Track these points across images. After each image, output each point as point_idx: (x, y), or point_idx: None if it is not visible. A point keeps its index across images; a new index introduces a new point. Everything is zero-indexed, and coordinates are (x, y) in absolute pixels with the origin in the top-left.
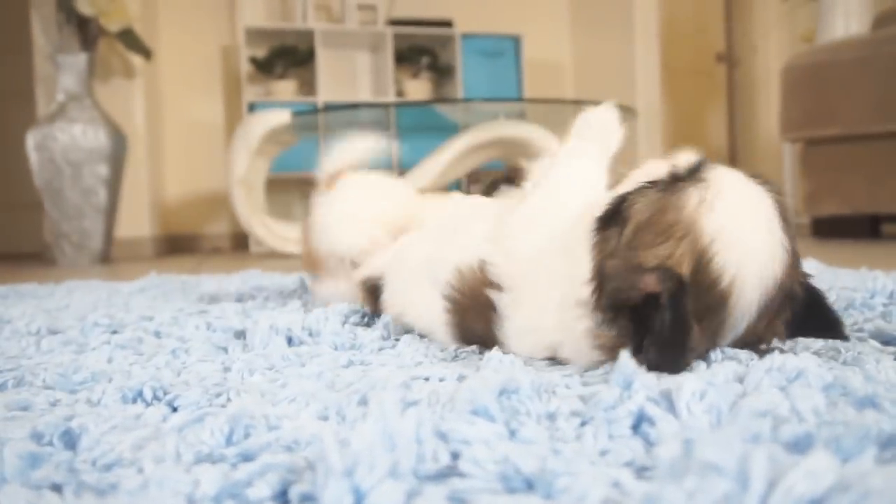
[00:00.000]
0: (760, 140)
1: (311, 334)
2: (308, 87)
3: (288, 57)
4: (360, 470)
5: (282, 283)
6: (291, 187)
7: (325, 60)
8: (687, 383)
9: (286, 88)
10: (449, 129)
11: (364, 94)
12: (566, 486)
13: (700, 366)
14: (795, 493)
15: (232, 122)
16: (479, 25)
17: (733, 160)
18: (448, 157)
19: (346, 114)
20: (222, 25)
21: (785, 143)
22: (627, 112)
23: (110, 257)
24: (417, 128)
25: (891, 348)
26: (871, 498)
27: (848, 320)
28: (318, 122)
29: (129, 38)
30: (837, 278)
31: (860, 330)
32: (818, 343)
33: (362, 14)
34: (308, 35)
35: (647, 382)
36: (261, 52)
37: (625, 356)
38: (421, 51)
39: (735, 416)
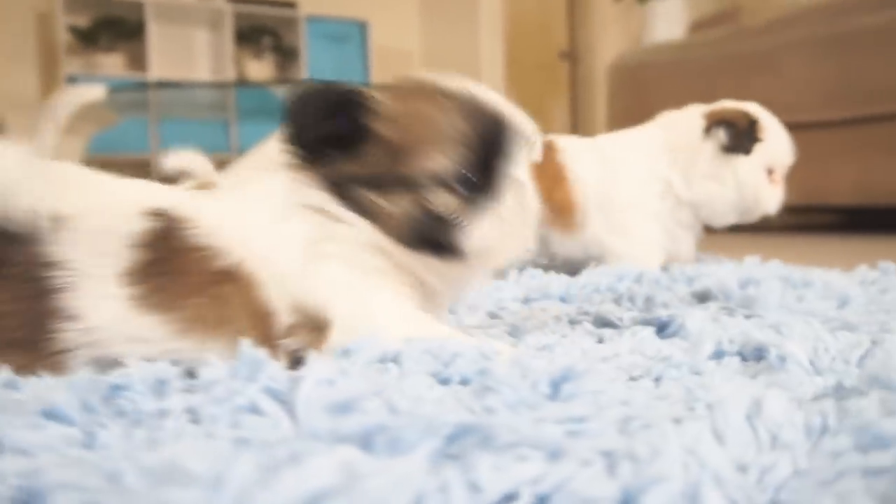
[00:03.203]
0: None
1: None
2: (138, 62)
3: (114, 28)
4: None
5: None
6: (115, 168)
7: (157, 35)
8: (315, 369)
9: (113, 62)
10: None
11: (202, 74)
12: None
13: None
14: (286, 494)
15: (49, 96)
16: (325, 8)
17: None
18: None
19: (179, 93)
20: None
21: None
22: None
23: None
24: (258, 111)
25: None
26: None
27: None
28: (145, 100)
29: None
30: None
31: (586, 313)
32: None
33: None
34: (137, 6)
35: (274, 373)
36: (83, 22)
37: (246, 343)
38: (263, 31)
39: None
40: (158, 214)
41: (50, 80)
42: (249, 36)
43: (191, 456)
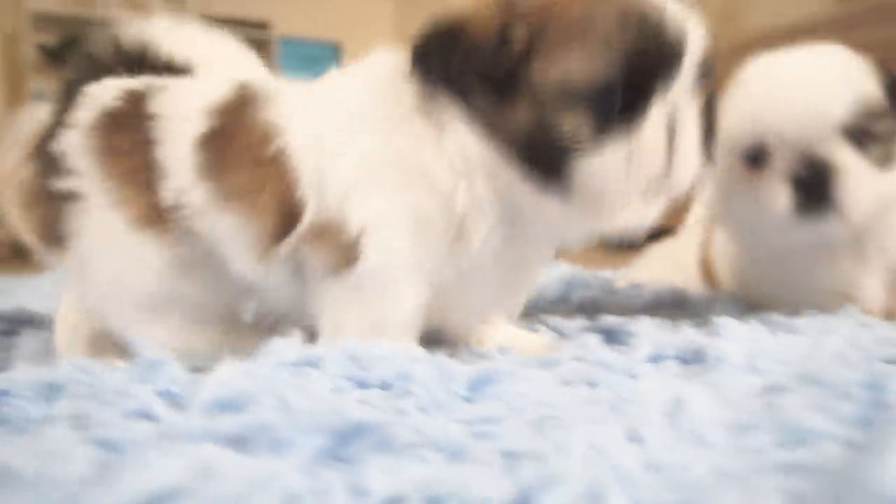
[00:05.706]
0: None
1: None
2: None
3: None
4: None
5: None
6: None
7: None
8: (219, 371)
9: None
10: None
11: None
12: None
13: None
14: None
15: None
16: (299, 29)
17: None
18: None
19: None
20: (4, 8)
21: None
22: None
23: None
24: None
25: None
26: None
27: None
28: None
29: None
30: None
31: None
32: None
33: (170, 6)
34: (105, 24)
35: (175, 375)
36: (51, 40)
37: (145, 345)
38: None
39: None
40: (241, 86)
41: (16, 98)
42: None
43: (21, 457)
